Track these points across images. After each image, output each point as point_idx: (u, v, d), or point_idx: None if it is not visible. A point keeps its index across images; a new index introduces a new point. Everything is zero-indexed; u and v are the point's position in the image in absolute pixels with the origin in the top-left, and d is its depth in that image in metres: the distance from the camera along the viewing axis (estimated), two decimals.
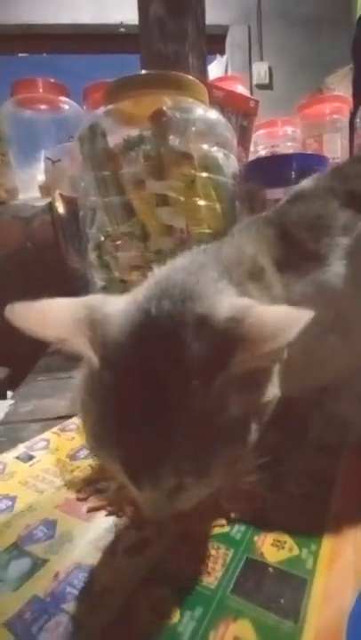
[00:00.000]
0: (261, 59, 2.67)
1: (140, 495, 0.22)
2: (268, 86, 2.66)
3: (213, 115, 0.61)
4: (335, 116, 1.21)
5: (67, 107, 1.13)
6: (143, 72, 0.60)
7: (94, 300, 0.24)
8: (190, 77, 0.61)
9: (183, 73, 0.63)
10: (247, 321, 0.21)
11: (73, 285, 1.01)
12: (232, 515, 0.26)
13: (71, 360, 0.24)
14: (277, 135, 1.21)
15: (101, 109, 0.60)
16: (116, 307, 0.24)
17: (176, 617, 0.20)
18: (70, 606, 0.21)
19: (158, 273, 0.27)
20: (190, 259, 0.29)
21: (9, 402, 0.51)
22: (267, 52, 2.67)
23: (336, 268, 0.31)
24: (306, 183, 0.38)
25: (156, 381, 0.21)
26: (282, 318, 0.21)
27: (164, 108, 0.56)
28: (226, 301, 0.23)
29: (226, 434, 0.21)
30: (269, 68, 2.66)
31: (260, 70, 2.64)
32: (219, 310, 0.22)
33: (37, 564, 0.24)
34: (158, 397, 0.20)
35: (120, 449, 0.21)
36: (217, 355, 0.21)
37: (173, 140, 0.57)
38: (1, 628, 0.20)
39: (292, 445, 0.33)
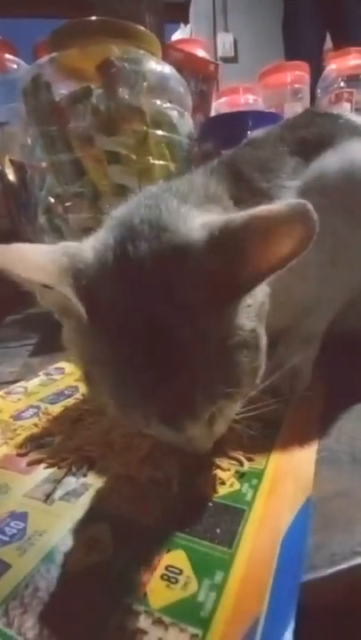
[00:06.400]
0: (226, 29, 2.59)
1: (181, 437, 0.22)
2: (233, 59, 2.60)
3: (167, 69, 0.58)
4: (296, 86, 1.20)
5: (15, 66, 1.05)
6: (91, 18, 0.55)
7: (71, 247, 0.23)
8: (141, 28, 0.58)
9: None
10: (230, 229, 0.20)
11: None
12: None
13: (25, 331, 0.23)
14: (239, 103, 1.18)
15: (45, 58, 0.55)
16: (90, 254, 0.22)
17: (109, 553, 0.19)
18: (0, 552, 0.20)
19: (116, 214, 0.25)
20: (143, 196, 0.27)
21: None
22: (232, 24, 2.60)
23: None
24: (257, 132, 0.39)
25: (157, 323, 0.20)
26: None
27: (113, 58, 0.53)
28: (196, 222, 0.22)
29: (244, 348, 0.21)
30: (235, 40, 2.59)
31: (225, 42, 2.57)
32: (194, 235, 0.21)
33: None
34: (165, 338, 0.19)
35: (149, 403, 0.20)
36: (213, 278, 0.20)
37: (123, 93, 0.54)
38: None
39: None
